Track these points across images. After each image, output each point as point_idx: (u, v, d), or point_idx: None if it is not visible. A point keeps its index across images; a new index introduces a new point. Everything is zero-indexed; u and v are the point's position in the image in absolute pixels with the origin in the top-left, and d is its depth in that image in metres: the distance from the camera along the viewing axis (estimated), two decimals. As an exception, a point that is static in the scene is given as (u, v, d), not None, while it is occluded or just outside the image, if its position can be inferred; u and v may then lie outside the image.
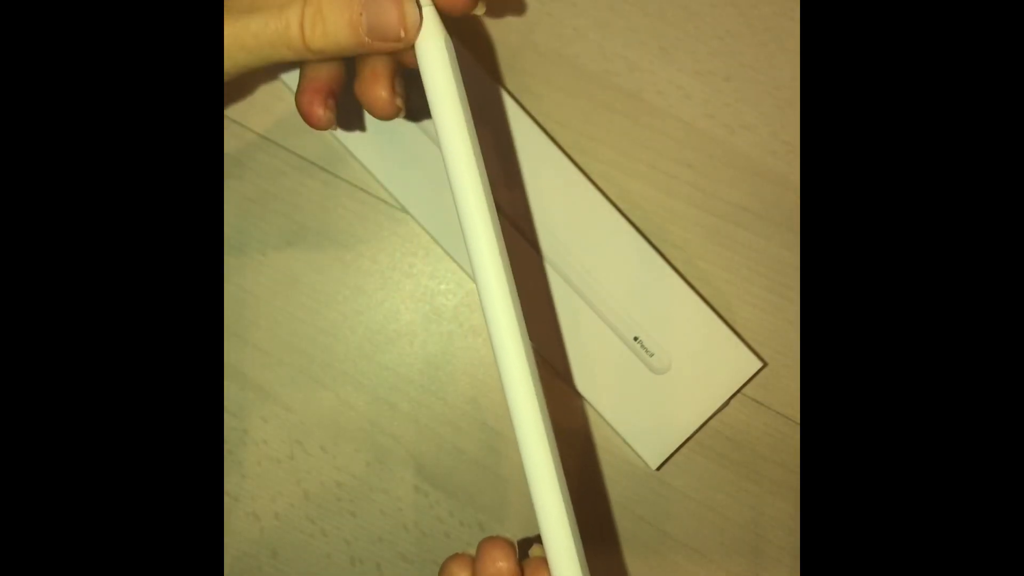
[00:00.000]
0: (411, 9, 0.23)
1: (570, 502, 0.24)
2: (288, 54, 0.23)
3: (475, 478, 0.34)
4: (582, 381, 0.33)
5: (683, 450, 0.34)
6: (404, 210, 0.34)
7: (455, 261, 0.34)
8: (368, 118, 0.33)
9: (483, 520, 0.34)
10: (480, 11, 0.24)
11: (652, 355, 0.33)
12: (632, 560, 0.34)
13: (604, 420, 0.33)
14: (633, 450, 0.33)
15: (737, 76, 0.34)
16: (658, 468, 0.33)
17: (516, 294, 0.24)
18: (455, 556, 0.26)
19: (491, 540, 0.26)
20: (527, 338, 0.24)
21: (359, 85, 0.25)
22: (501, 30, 0.35)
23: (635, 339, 0.33)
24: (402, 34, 0.23)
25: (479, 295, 0.24)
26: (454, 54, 0.23)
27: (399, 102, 0.25)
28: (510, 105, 0.33)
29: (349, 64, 0.27)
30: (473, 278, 0.23)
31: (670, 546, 0.34)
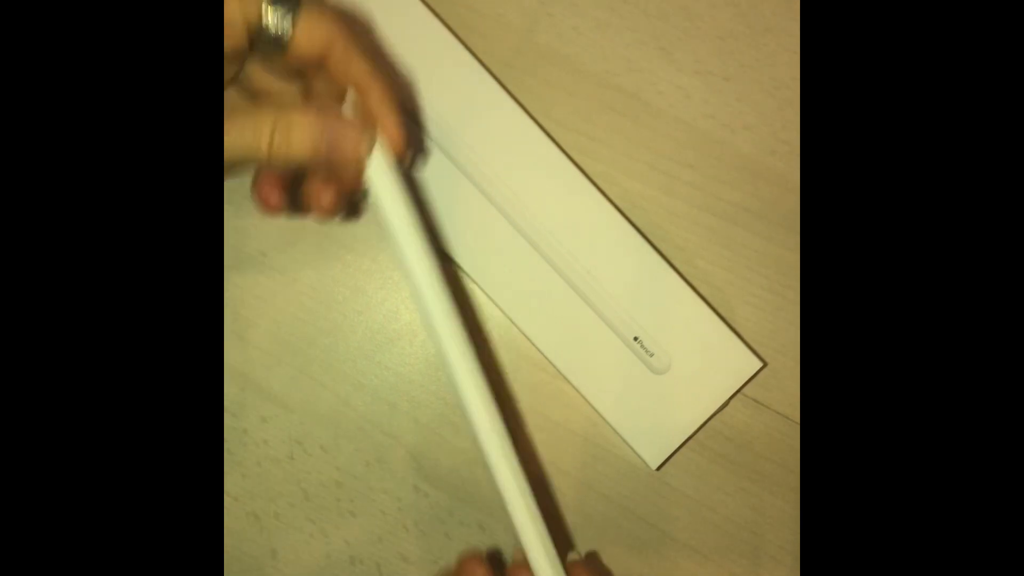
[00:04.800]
0: (366, 139, 0.27)
1: (538, 508, 0.28)
2: (250, 159, 0.26)
3: (475, 478, 0.34)
4: (582, 381, 0.33)
5: (683, 450, 0.34)
6: (404, 210, 0.34)
7: (455, 262, 0.34)
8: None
9: (483, 520, 0.34)
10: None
11: (652, 355, 0.33)
12: (632, 560, 0.34)
13: (604, 420, 0.33)
14: (633, 450, 0.33)
15: (737, 76, 0.34)
16: (658, 468, 0.33)
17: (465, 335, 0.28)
18: None
19: (468, 555, 0.29)
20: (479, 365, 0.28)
21: (309, 186, 0.29)
22: (501, 30, 0.35)
23: (635, 339, 0.33)
24: (359, 155, 0.27)
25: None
26: (399, 175, 0.28)
27: (341, 205, 0.29)
28: (510, 105, 0.33)
29: None
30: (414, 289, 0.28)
31: (670, 546, 0.34)
